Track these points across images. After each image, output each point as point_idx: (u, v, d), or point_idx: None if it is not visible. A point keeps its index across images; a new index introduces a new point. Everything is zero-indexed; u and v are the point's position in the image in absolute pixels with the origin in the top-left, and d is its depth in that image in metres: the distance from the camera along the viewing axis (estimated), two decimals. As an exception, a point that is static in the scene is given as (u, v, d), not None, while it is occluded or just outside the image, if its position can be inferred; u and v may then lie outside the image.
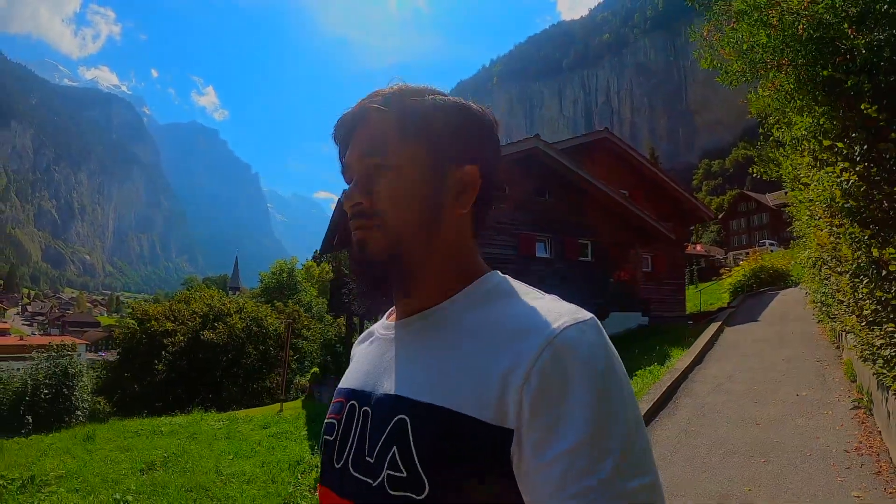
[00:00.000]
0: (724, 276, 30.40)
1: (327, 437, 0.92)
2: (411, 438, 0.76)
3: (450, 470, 0.73)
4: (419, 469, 0.74)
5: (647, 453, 0.71)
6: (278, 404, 15.50)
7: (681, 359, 9.93)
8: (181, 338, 21.18)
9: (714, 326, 12.95)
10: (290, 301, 32.93)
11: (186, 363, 20.48)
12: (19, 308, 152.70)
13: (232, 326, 21.68)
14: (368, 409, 0.86)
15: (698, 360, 9.99)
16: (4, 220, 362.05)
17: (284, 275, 42.16)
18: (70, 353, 19.47)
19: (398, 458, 0.76)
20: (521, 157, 15.31)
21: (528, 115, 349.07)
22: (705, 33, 6.32)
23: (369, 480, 0.80)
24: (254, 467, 7.40)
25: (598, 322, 0.76)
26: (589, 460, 0.67)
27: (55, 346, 20.02)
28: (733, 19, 5.91)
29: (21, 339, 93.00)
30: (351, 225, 0.87)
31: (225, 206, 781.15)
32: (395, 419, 0.79)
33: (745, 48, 5.86)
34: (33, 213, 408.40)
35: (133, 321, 23.83)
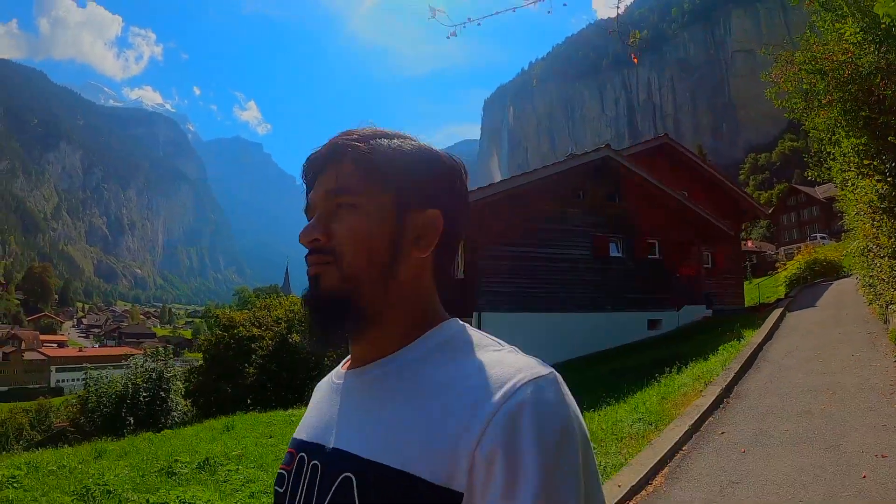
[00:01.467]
0: (779, 270, 31.57)
1: (277, 489, 0.91)
2: (356, 498, 0.74)
3: None
4: None
5: None
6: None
7: (754, 336, 11.76)
8: (268, 342, 22.22)
9: (777, 312, 14.58)
10: None
11: (276, 365, 21.39)
12: (74, 321, 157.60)
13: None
14: (317, 462, 0.83)
15: (768, 336, 11.82)
16: (57, 237, 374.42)
17: None
18: (164, 358, 21.29)
19: None
20: (596, 165, 17.27)
21: (570, 115, 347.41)
22: (773, 76, 8.32)
23: None
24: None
25: (557, 376, 0.74)
26: None
27: (150, 352, 22.13)
28: (796, 67, 7.88)
29: (80, 350, 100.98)
30: (307, 260, 0.86)
31: (271, 217, 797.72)
32: (342, 477, 0.77)
33: (804, 87, 7.81)
34: (84, 229, 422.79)
35: (218, 329, 25.19)
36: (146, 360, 20.65)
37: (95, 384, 19.60)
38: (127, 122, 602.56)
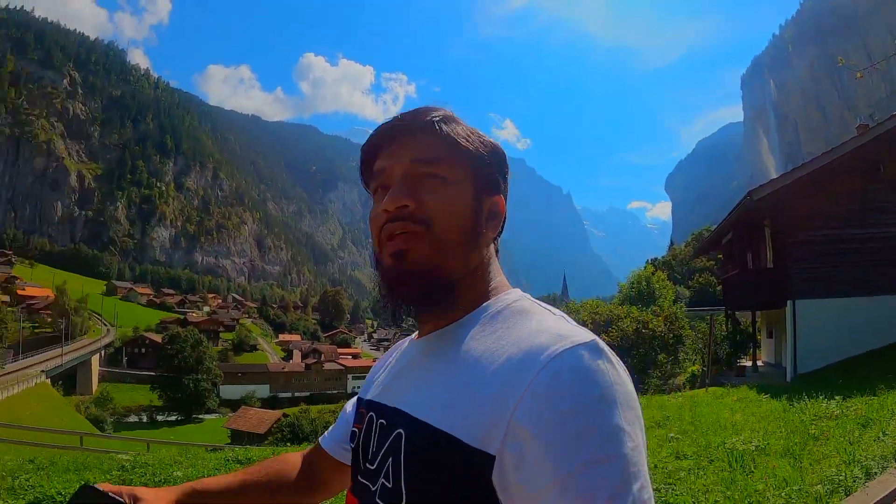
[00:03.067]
0: None
1: (352, 446, 0.98)
2: (402, 453, 0.80)
3: (428, 487, 0.76)
4: (402, 482, 0.78)
5: (643, 489, 0.66)
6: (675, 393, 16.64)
7: None
8: None
9: None
10: (652, 306, 33.67)
11: None
12: (365, 336, 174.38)
13: (624, 329, 23.49)
14: (383, 422, 0.89)
15: None
16: (345, 264, 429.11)
17: (644, 283, 43.18)
18: None
19: (390, 470, 0.81)
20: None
21: (836, 77, 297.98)
22: None
23: (369, 485, 0.86)
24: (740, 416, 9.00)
25: (599, 343, 0.74)
26: (581, 494, 0.64)
27: None
28: None
29: (373, 360, 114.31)
30: (390, 228, 0.87)
31: (542, 229, 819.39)
32: (395, 433, 0.83)
33: None
34: (369, 255, 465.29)
35: None
36: None
37: None
38: None
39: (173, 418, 64.17)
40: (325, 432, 1.21)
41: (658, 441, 7.25)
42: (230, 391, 73.65)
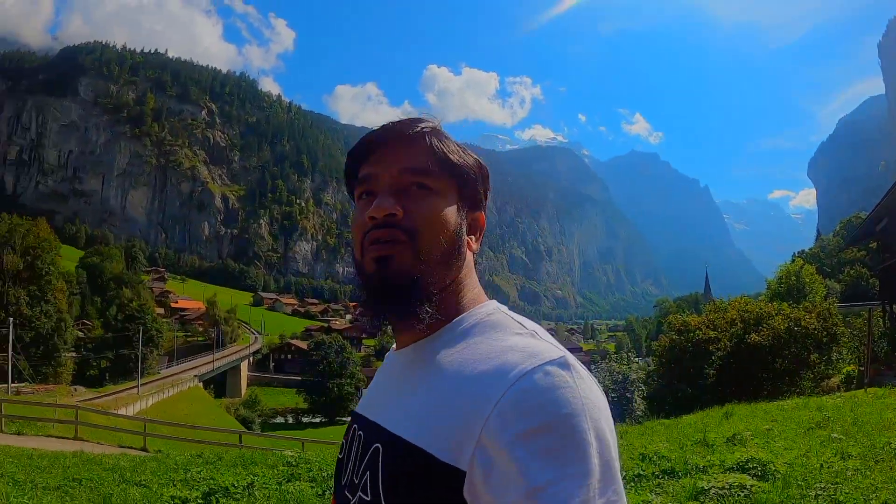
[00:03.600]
0: None
1: (339, 456, 1.00)
2: (380, 467, 0.82)
3: (404, 501, 0.77)
4: (381, 496, 0.80)
5: (613, 502, 0.69)
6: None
7: None
8: (726, 343, 22.83)
9: None
10: (804, 302, 31.09)
11: (735, 364, 21.90)
12: None
13: (775, 328, 22.04)
14: (362, 433, 0.92)
15: None
16: (483, 269, 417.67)
17: (793, 278, 41.66)
18: (627, 362, 24.49)
19: (368, 483, 0.83)
20: None
21: None
22: None
23: (350, 496, 0.87)
24: None
25: (570, 361, 0.76)
26: None
27: (614, 357, 23.53)
28: None
29: None
30: (374, 235, 0.87)
31: (680, 225, 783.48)
32: (373, 447, 0.85)
33: None
34: (506, 260, 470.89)
35: (674, 334, 26.13)
36: (610, 363, 23.85)
37: None
38: (527, 161, 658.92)
39: (318, 420, 65.81)
40: None
41: (820, 441, 7.43)
42: (373, 395, 75.18)
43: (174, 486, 7.45)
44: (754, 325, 23.29)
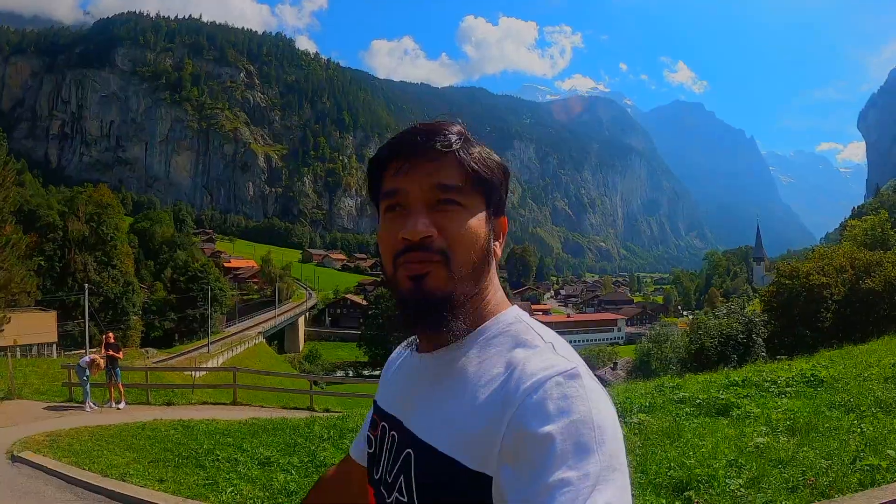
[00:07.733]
0: None
1: (369, 450, 1.07)
2: (413, 472, 0.88)
3: (438, 503, 0.85)
4: (415, 499, 0.87)
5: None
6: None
7: None
8: (841, 288, 23.94)
9: None
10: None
11: (850, 311, 22.93)
12: (552, 292, 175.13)
13: (886, 275, 23.10)
14: (395, 434, 0.97)
15: None
16: (526, 222, 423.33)
17: (878, 230, 43.13)
18: (739, 313, 26.12)
19: (403, 486, 0.89)
20: None
21: None
22: None
23: (386, 495, 0.94)
24: None
25: (582, 371, 0.82)
26: None
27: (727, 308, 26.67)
28: None
29: (568, 316, 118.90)
30: (409, 256, 0.88)
31: (725, 177, 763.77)
32: (405, 452, 0.91)
33: None
34: (549, 212, 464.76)
35: (784, 279, 27.12)
36: (730, 312, 25.90)
37: (702, 329, 25.85)
38: (568, 111, 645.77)
39: (377, 373, 66.11)
40: (354, 441, 1.27)
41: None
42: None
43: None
44: (864, 271, 24.30)
